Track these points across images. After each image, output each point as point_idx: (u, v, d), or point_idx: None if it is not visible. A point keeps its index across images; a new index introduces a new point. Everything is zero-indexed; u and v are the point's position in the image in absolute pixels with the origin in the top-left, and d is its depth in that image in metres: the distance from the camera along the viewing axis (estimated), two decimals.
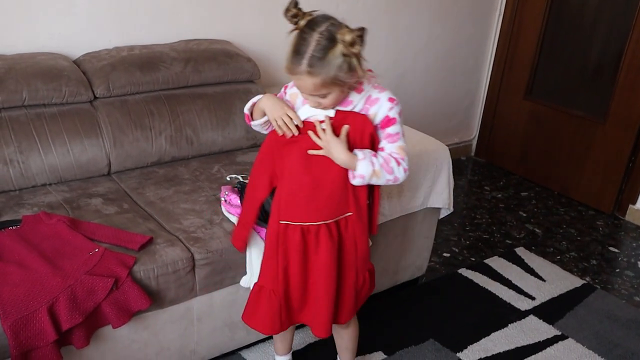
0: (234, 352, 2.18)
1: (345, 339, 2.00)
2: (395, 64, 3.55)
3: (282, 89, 1.77)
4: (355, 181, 1.64)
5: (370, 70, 1.63)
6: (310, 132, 1.64)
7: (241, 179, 2.20)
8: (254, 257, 1.92)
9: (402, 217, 2.38)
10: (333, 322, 1.83)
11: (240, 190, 2.05)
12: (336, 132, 1.62)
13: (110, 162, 2.24)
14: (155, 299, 1.79)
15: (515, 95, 3.93)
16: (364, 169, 1.61)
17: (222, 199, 2.06)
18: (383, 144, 1.66)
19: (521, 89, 3.88)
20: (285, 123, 1.64)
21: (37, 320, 1.55)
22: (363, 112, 1.63)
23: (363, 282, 1.84)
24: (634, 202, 3.46)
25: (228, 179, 2.26)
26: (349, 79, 1.53)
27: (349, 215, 1.71)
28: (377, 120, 1.64)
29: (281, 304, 1.78)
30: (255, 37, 2.87)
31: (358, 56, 1.50)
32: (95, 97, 2.26)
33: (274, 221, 1.72)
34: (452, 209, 2.53)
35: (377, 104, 1.63)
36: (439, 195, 2.43)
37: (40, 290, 1.59)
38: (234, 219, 1.98)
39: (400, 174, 1.66)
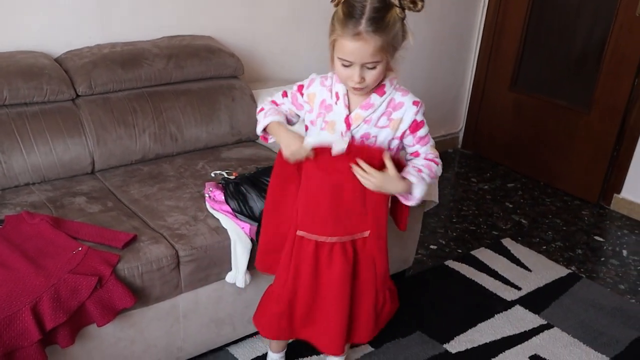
0: (221, 347, 2.18)
1: None
2: None
3: (295, 88, 1.69)
4: (411, 203, 1.63)
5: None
6: (357, 175, 1.55)
7: (225, 175, 2.21)
8: (239, 253, 1.92)
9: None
10: (347, 341, 1.81)
11: (225, 186, 2.05)
12: (352, 162, 1.54)
13: (93, 161, 2.23)
14: (140, 296, 1.78)
15: (500, 87, 3.94)
16: (420, 191, 1.60)
17: (207, 195, 2.06)
18: (416, 147, 1.65)
19: (506, 80, 3.90)
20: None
21: (20, 320, 1.54)
22: (385, 116, 1.59)
23: (384, 302, 1.81)
24: (619, 191, 3.49)
25: (213, 175, 2.26)
26: (400, 47, 1.51)
27: (366, 235, 1.69)
28: (404, 126, 1.61)
29: (284, 310, 1.77)
30: (238, 33, 2.86)
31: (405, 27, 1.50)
32: (78, 95, 2.25)
33: (292, 229, 1.71)
34: (437, 201, 2.54)
35: (401, 108, 1.59)
36: None
37: (23, 289, 1.58)
38: (218, 215, 1.97)
39: (439, 171, 1.67)
